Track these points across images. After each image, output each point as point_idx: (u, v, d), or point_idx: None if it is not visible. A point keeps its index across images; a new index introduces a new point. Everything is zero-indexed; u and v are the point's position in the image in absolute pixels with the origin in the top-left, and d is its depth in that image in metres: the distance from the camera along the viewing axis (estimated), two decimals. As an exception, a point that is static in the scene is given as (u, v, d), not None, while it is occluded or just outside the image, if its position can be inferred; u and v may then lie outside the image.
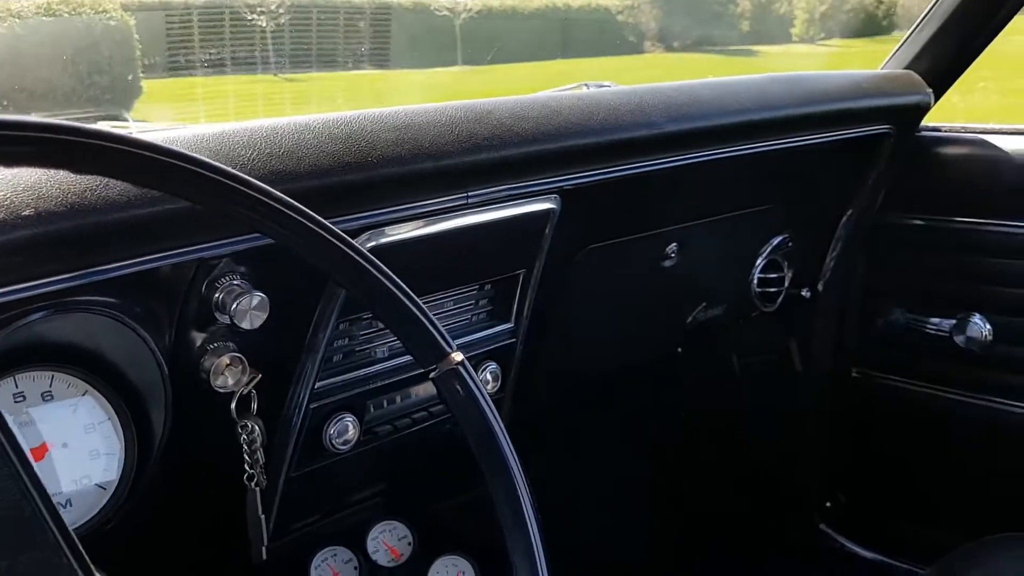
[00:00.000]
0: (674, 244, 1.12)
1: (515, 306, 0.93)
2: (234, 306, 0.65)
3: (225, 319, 0.66)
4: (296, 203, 0.45)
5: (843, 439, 1.40)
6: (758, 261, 1.26)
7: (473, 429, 0.50)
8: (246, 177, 0.44)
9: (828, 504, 1.42)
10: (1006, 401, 1.23)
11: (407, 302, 0.49)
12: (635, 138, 0.87)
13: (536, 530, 0.49)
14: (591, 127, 0.84)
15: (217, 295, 0.66)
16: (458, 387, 0.49)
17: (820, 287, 1.32)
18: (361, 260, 0.48)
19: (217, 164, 0.43)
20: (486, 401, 0.50)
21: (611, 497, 1.57)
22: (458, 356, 0.50)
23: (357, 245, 0.48)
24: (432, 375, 0.50)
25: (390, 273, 0.49)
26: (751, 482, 1.48)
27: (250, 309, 0.66)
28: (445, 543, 0.95)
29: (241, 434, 0.68)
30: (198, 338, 0.67)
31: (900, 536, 1.34)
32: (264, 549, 0.72)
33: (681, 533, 1.55)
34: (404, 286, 0.49)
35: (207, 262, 0.64)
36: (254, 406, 0.69)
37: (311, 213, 0.46)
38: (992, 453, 1.25)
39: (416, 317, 0.49)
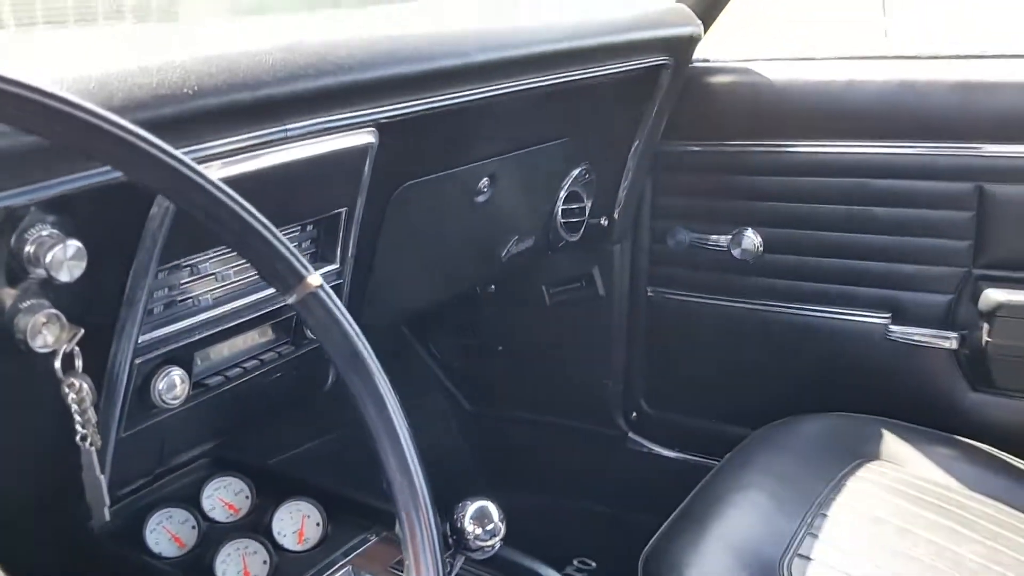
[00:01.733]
0: (486, 179, 1.16)
1: (339, 247, 0.93)
2: (48, 258, 0.60)
3: (40, 272, 0.61)
4: (141, 130, 0.43)
5: (642, 353, 1.52)
6: (561, 193, 1.33)
7: (339, 351, 0.50)
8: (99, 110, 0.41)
9: (634, 414, 1.54)
10: (777, 304, 1.39)
11: (260, 228, 0.48)
12: (447, 68, 0.89)
13: (411, 445, 0.50)
14: (405, 56, 0.84)
15: (28, 248, 0.61)
16: (320, 310, 0.50)
17: (616, 215, 1.41)
18: (211, 187, 0.46)
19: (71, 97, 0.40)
20: (349, 322, 0.50)
21: (435, 428, 1.62)
22: (316, 279, 0.50)
23: (205, 172, 0.46)
24: (291, 300, 0.50)
25: (240, 200, 0.48)
26: (565, 402, 1.58)
27: (66, 260, 0.61)
28: (286, 492, 0.94)
29: (68, 393, 0.64)
30: (9, 296, 0.62)
31: (699, 434, 1.49)
32: (106, 510, 0.68)
33: (503, 453, 1.64)
34: (256, 212, 0.48)
35: (13, 211, 0.59)
36: (79, 363, 0.65)
37: (153, 138, 0.44)
38: (769, 351, 1.41)
39: (270, 243, 0.49)
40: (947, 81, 1.25)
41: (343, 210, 0.90)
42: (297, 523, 0.93)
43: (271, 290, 0.86)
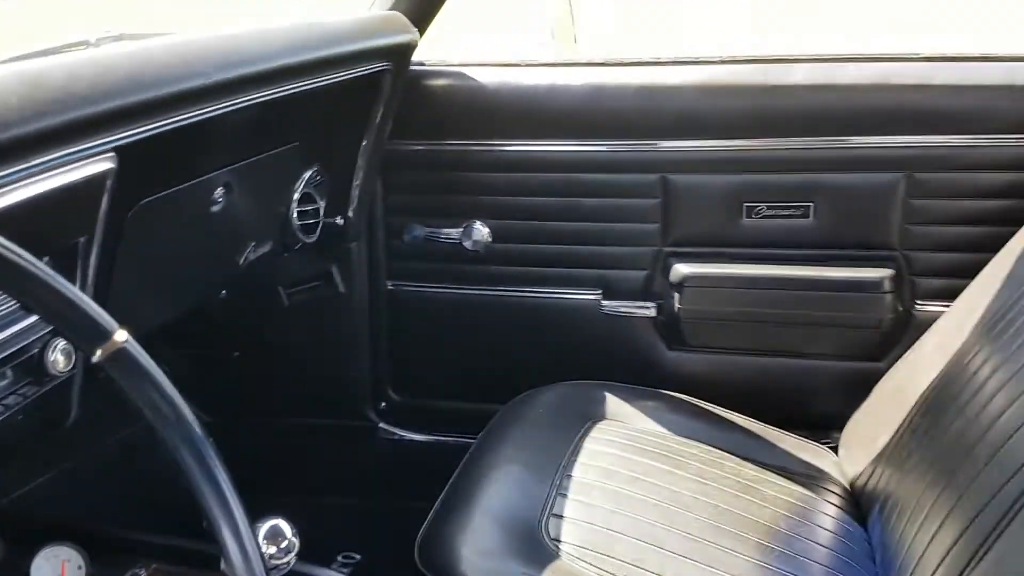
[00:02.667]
0: (220, 189, 1.15)
1: (77, 275, 0.88)
2: None
3: None
4: None
5: (386, 345, 1.59)
6: (294, 195, 1.35)
7: (152, 405, 0.51)
8: None
9: (383, 404, 1.60)
10: (508, 288, 1.52)
11: (57, 286, 0.48)
12: (189, 89, 0.88)
13: (233, 495, 0.52)
14: (147, 82, 0.82)
15: None
16: (129, 366, 0.50)
17: (350, 213, 1.45)
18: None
19: None
20: (159, 375, 0.51)
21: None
22: (122, 335, 0.50)
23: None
24: (97, 358, 0.49)
25: (32, 258, 0.47)
26: (311, 401, 1.59)
27: None
28: (40, 537, 0.88)
29: None
30: None
31: (450, 415, 1.58)
32: None
33: (251, 460, 1.61)
34: (48, 270, 0.48)
35: None
36: None
37: None
38: (505, 332, 1.54)
39: (70, 300, 0.48)
40: (632, 84, 1.44)
41: (82, 239, 0.86)
42: (57, 570, 0.89)
43: (8, 330, 0.80)
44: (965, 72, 1.31)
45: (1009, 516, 0.79)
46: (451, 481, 1.13)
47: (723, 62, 1.41)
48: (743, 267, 1.43)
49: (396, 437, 1.60)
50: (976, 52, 1.33)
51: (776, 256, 1.41)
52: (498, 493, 1.08)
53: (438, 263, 1.53)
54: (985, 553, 0.79)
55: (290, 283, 1.52)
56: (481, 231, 1.50)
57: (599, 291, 1.49)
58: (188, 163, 1.05)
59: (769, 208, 1.40)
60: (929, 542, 0.90)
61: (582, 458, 1.15)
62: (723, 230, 1.42)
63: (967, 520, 0.84)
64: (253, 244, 1.30)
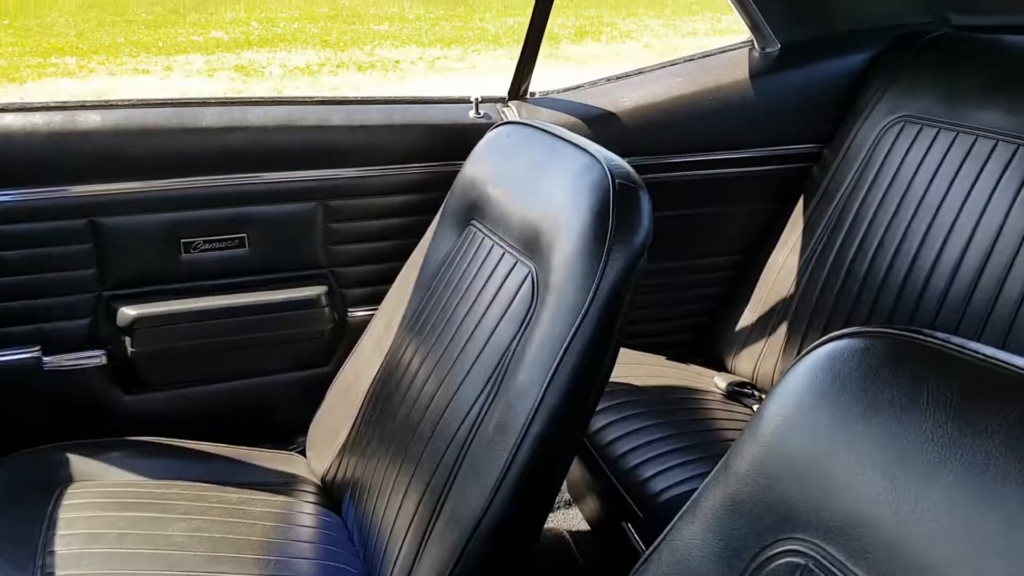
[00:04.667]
0: None
1: None
2: None
3: None
4: None
5: None
6: None
7: None
8: None
9: None
10: None
11: None
12: None
13: None
14: None
15: None
16: None
17: None
18: None
19: None
20: None
21: None
22: None
23: None
24: None
25: None
26: None
27: None
28: None
29: None
30: None
31: None
32: None
33: None
34: None
35: None
36: None
37: None
38: None
39: None
40: (42, 130, 1.36)
41: None
42: None
43: None
44: (354, 113, 1.55)
45: (453, 474, 1.02)
46: None
47: (135, 105, 1.43)
48: (189, 302, 1.47)
49: None
50: (362, 95, 1.59)
51: (220, 286, 1.49)
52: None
53: None
54: (442, 508, 1.01)
55: None
56: None
57: (37, 347, 1.39)
58: None
59: (206, 242, 1.47)
60: (397, 512, 1.10)
61: (61, 529, 1.09)
62: (164, 268, 1.45)
63: (424, 485, 1.06)
64: None
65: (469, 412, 1.06)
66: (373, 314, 1.41)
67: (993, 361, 0.54)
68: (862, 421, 0.57)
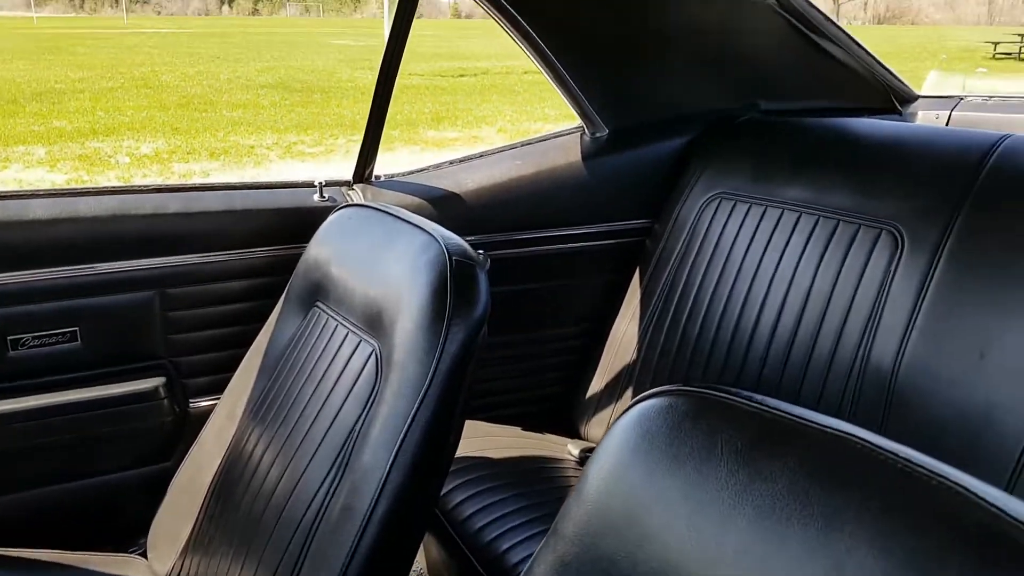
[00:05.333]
0: None
1: None
2: None
3: None
4: None
5: None
6: None
7: None
8: None
9: None
10: None
11: None
12: None
13: None
14: None
15: None
16: None
17: None
18: None
19: None
20: None
21: None
22: None
23: None
24: None
25: None
26: None
27: None
28: None
29: None
30: None
31: None
32: None
33: None
34: None
35: None
36: None
37: None
38: None
39: None
40: None
41: None
42: None
43: None
44: (192, 200, 1.54)
45: (299, 563, 1.00)
46: None
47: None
48: (18, 401, 1.39)
49: None
50: (201, 182, 1.57)
51: (52, 383, 1.42)
52: None
53: None
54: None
55: None
56: None
57: None
58: None
59: (35, 339, 1.40)
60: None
61: None
62: (-12, 367, 1.37)
63: (269, 576, 1.03)
64: None
65: (315, 497, 1.04)
66: (217, 404, 1.38)
67: (777, 412, 0.59)
68: (668, 475, 0.61)
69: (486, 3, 1.57)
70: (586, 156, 1.77)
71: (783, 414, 0.59)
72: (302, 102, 12.37)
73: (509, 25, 1.62)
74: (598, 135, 1.82)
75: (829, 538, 0.51)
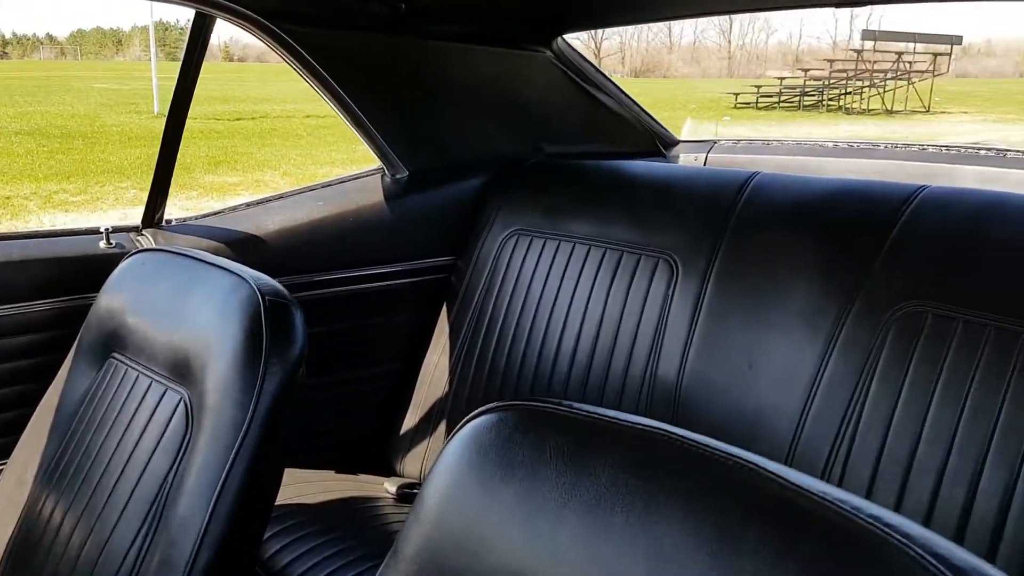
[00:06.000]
0: None
1: None
2: None
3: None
4: None
5: None
6: None
7: None
8: None
9: None
10: None
11: None
12: None
13: None
14: None
15: None
16: None
17: None
18: None
19: None
20: None
21: None
22: None
23: None
24: None
25: None
26: None
27: None
28: None
29: None
30: None
31: None
32: None
33: None
34: None
35: None
36: None
37: None
38: None
39: None
40: None
41: None
42: None
43: None
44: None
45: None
46: None
47: None
48: None
49: None
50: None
51: None
52: None
53: None
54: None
55: None
56: None
57: None
58: None
59: None
60: None
61: None
62: None
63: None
64: None
65: (127, 555, 0.99)
66: (3, 469, 1.27)
67: (595, 416, 0.66)
68: (503, 484, 0.66)
69: (283, 51, 1.59)
70: (388, 197, 1.81)
71: (601, 417, 0.66)
72: (62, 149, 11.45)
73: (306, 72, 1.64)
74: (398, 176, 1.87)
75: (648, 521, 0.58)
